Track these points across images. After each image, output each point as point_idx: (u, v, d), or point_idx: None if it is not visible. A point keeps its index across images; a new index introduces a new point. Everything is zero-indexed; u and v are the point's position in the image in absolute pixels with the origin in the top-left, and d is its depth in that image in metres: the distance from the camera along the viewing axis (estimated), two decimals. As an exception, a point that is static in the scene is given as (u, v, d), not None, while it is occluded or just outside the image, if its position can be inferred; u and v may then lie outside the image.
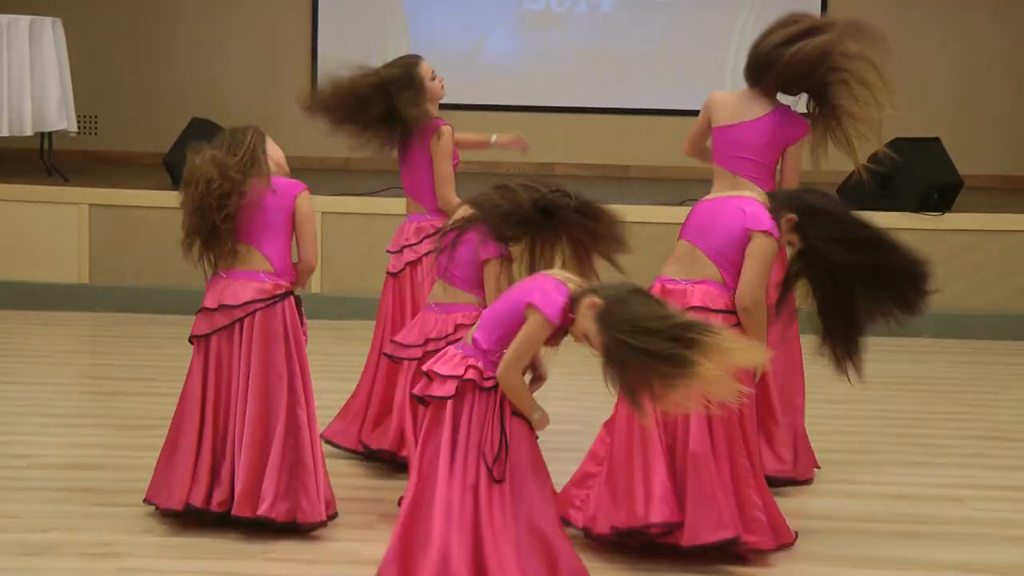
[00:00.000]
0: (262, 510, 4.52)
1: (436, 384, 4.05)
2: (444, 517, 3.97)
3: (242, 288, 4.61)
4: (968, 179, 9.07)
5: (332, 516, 4.70)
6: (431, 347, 4.77)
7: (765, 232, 4.45)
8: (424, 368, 4.17)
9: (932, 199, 8.50)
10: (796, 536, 4.59)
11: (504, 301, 4.10)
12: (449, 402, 4.02)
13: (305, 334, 4.70)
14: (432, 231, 5.30)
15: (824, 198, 4.59)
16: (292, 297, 4.69)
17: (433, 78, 5.46)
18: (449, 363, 4.06)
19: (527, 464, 4.04)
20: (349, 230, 8.03)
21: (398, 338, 5.03)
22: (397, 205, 8.23)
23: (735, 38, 10.49)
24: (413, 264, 5.44)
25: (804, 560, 4.57)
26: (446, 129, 5.42)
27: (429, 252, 5.30)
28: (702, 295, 4.49)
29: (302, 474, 4.57)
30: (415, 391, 4.17)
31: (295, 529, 4.57)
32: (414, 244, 5.45)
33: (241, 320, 4.61)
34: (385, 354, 5.19)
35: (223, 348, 4.65)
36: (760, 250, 4.44)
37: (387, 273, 5.53)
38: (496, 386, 4.01)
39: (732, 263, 4.49)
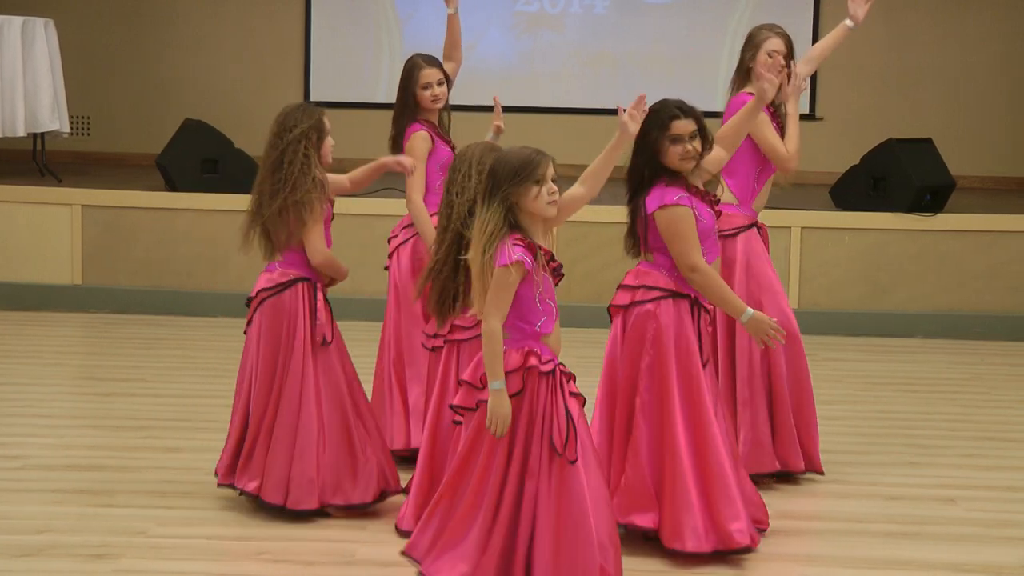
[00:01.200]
0: (225, 477, 4.85)
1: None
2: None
3: (261, 278, 4.85)
4: (961, 180, 9.10)
5: (327, 507, 4.77)
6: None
7: (661, 207, 4.47)
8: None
9: (925, 200, 8.51)
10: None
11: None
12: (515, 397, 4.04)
13: (321, 321, 4.76)
14: (410, 224, 5.46)
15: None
16: (303, 285, 4.77)
17: (425, 88, 5.45)
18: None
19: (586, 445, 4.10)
20: (344, 230, 8.03)
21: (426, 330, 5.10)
22: (392, 206, 8.25)
23: (728, 39, 10.51)
24: (390, 256, 5.53)
25: (798, 560, 4.57)
26: (419, 134, 5.44)
27: (401, 243, 5.46)
28: (633, 275, 4.59)
29: (276, 453, 4.72)
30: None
31: (260, 503, 4.76)
32: (393, 237, 5.56)
33: (256, 309, 4.81)
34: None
35: (249, 335, 4.84)
36: (667, 222, 4.47)
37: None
38: (554, 369, 4.06)
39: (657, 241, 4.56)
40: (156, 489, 5.10)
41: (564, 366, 4.12)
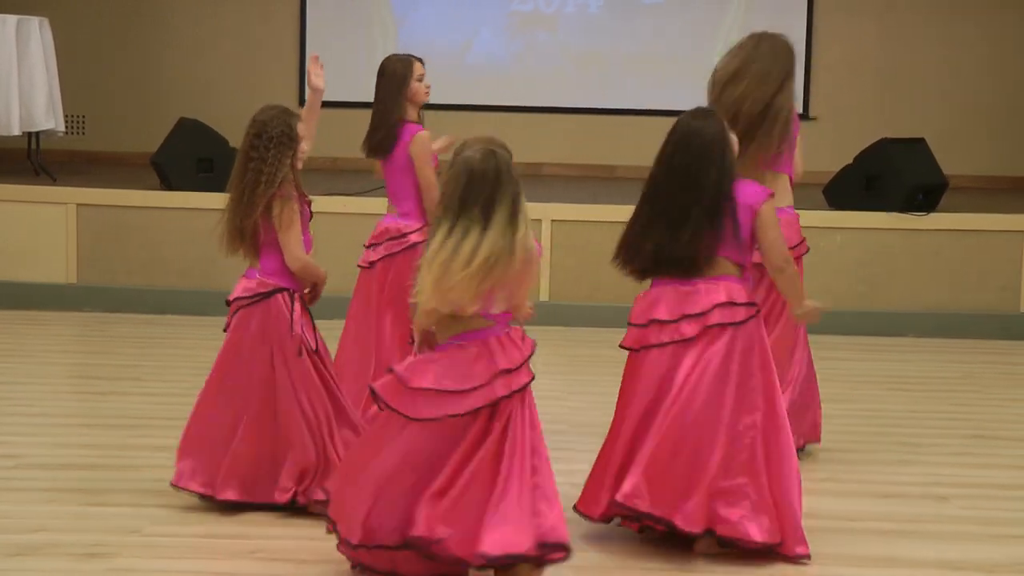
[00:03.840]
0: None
1: None
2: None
3: (240, 285, 4.85)
4: (953, 179, 9.12)
5: (289, 504, 4.78)
6: None
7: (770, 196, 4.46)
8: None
9: (917, 199, 8.54)
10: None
11: None
12: None
13: (298, 333, 4.73)
14: (396, 234, 5.45)
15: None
16: (282, 296, 4.74)
17: (420, 80, 5.48)
18: None
19: None
20: (336, 230, 8.04)
21: None
22: (384, 205, 8.26)
23: (722, 38, 10.52)
24: (374, 263, 5.54)
25: (792, 558, 4.58)
26: (424, 135, 5.45)
27: (388, 255, 5.45)
28: (704, 293, 4.40)
29: (214, 447, 4.79)
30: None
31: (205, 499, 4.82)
32: (375, 244, 5.55)
33: (233, 315, 4.82)
34: None
35: (226, 341, 4.84)
36: (767, 212, 4.43)
37: (357, 266, 5.63)
38: None
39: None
40: (151, 488, 5.10)
41: None
